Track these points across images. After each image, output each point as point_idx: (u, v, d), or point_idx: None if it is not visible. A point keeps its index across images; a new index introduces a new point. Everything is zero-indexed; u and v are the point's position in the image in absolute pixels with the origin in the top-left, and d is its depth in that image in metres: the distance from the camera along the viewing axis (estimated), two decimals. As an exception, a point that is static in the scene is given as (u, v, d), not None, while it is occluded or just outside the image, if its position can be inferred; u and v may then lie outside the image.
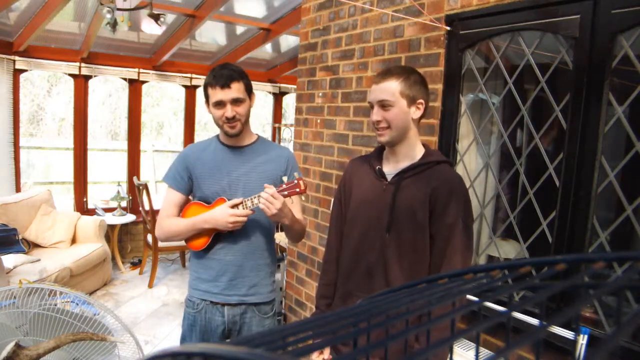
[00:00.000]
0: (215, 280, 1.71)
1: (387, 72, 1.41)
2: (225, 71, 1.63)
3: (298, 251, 3.11)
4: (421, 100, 1.41)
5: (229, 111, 1.63)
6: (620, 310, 0.27)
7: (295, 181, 1.58)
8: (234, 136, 1.70)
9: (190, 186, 1.75)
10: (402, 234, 1.40)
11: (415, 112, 1.41)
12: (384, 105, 1.39)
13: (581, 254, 0.62)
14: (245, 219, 1.62)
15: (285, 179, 1.63)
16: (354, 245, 1.51)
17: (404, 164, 1.44)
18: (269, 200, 1.53)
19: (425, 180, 1.39)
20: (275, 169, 1.75)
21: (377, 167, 1.48)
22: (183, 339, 1.80)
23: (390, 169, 1.47)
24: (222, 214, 1.61)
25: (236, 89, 1.63)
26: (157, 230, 1.75)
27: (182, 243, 1.76)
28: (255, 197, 1.59)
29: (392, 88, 1.38)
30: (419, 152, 1.45)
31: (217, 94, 1.62)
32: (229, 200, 1.66)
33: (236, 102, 1.64)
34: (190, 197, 1.81)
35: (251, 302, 1.74)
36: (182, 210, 1.76)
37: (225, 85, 1.61)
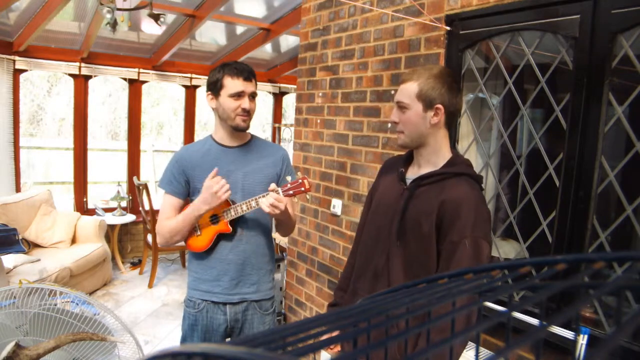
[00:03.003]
0: (217, 280, 1.72)
1: (410, 73, 1.37)
2: (245, 66, 1.68)
3: (298, 251, 3.11)
4: (439, 105, 1.32)
5: (246, 102, 1.65)
6: (620, 310, 0.27)
7: (300, 181, 1.59)
8: (243, 130, 1.71)
9: (187, 189, 1.74)
10: (408, 244, 1.36)
11: (433, 118, 1.33)
12: (400, 106, 1.36)
13: (581, 254, 0.62)
14: (227, 186, 1.59)
15: (289, 178, 1.64)
16: (368, 245, 1.50)
17: (426, 169, 1.39)
18: (274, 204, 1.56)
19: (438, 191, 1.32)
20: (272, 168, 1.76)
21: (400, 170, 1.45)
22: (184, 340, 1.79)
23: (413, 173, 1.43)
24: (204, 190, 1.60)
25: (254, 85, 1.69)
26: (158, 237, 1.75)
27: (183, 243, 1.76)
28: (260, 197, 1.60)
29: (410, 90, 1.33)
30: (442, 159, 1.38)
31: (239, 85, 1.64)
32: (230, 201, 1.67)
33: (252, 97, 1.69)
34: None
35: (253, 300, 1.75)
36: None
37: (248, 78, 1.66)
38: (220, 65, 1.68)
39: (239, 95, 1.64)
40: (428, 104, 1.32)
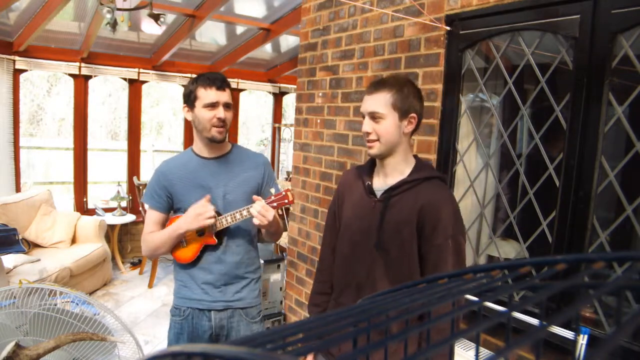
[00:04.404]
0: (201, 289, 1.73)
1: (380, 83, 1.37)
2: (219, 75, 1.67)
3: (298, 251, 3.11)
4: (414, 114, 1.36)
5: (221, 112, 1.64)
6: (620, 310, 0.27)
7: (283, 193, 1.60)
8: (220, 142, 1.69)
9: (170, 204, 1.75)
10: (389, 253, 1.38)
11: (407, 127, 1.37)
12: (374, 117, 1.35)
13: (581, 254, 0.62)
14: (211, 212, 1.60)
15: (273, 190, 1.64)
16: (344, 259, 1.50)
17: (393, 179, 1.41)
18: (261, 213, 1.56)
19: (413, 198, 1.35)
20: (253, 177, 1.76)
21: (367, 183, 1.46)
22: None
23: (380, 184, 1.45)
24: (189, 211, 1.62)
25: (228, 94, 1.68)
26: (143, 248, 1.77)
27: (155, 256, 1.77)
28: (244, 210, 1.61)
29: (384, 100, 1.34)
30: (408, 166, 1.41)
31: (212, 95, 1.62)
32: (215, 213, 1.66)
33: (227, 106, 1.67)
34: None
35: (238, 307, 1.75)
36: (164, 226, 1.77)
37: (221, 87, 1.64)
38: (194, 77, 1.69)
39: (213, 105, 1.63)
40: (403, 113, 1.35)
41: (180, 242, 1.71)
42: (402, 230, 1.35)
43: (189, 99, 1.67)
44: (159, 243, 1.70)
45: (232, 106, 1.71)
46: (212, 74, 1.68)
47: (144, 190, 1.80)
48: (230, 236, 1.72)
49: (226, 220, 1.64)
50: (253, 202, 1.60)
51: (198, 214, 1.59)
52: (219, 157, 1.74)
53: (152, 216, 1.75)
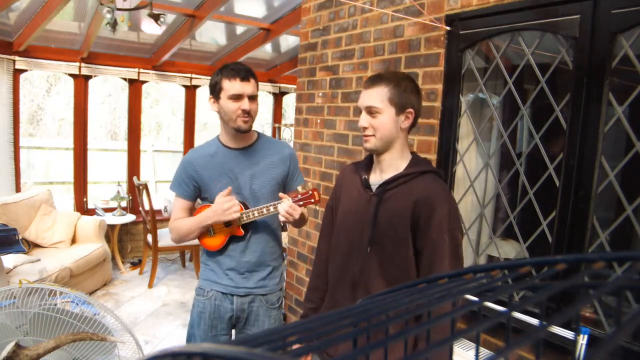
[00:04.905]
0: (226, 274, 1.79)
1: (377, 78, 1.37)
2: (243, 66, 1.68)
3: (298, 251, 3.11)
4: (411, 110, 1.35)
5: (246, 104, 1.65)
6: (620, 310, 0.27)
7: (310, 192, 1.64)
8: (245, 132, 1.72)
9: (197, 192, 1.80)
10: (383, 248, 1.37)
11: (404, 122, 1.36)
12: (371, 111, 1.35)
13: (581, 254, 0.62)
14: (237, 206, 1.65)
15: (300, 188, 1.68)
16: (340, 256, 1.50)
17: (389, 174, 1.40)
18: (288, 212, 1.60)
19: (408, 192, 1.35)
20: (279, 168, 1.79)
21: (363, 177, 1.46)
22: (191, 327, 1.86)
23: (376, 179, 1.45)
24: (216, 205, 1.67)
25: (253, 85, 1.68)
26: (171, 235, 1.84)
27: (185, 243, 1.82)
28: (271, 206, 1.65)
29: (381, 94, 1.33)
30: (404, 161, 1.41)
31: (237, 86, 1.64)
32: (241, 202, 1.72)
33: (252, 98, 1.69)
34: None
35: (259, 294, 1.81)
36: (192, 213, 1.83)
37: (246, 78, 1.65)
38: (219, 68, 1.69)
39: (237, 96, 1.64)
40: (400, 108, 1.34)
41: (208, 231, 1.78)
42: (396, 224, 1.35)
43: (214, 91, 1.69)
44: (187, 230, 1.76)
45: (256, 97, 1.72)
46: (236, 64, 1.68)
47: (172, 179, 1.85)
48: (256, 227, 1.78)
49: (253, 215, 1.69)
50: (279, 196, 1.65)
51: (225, 209, 1.64)
52: (246, 148, 1.77)
53: (180, 204, 1.81)
